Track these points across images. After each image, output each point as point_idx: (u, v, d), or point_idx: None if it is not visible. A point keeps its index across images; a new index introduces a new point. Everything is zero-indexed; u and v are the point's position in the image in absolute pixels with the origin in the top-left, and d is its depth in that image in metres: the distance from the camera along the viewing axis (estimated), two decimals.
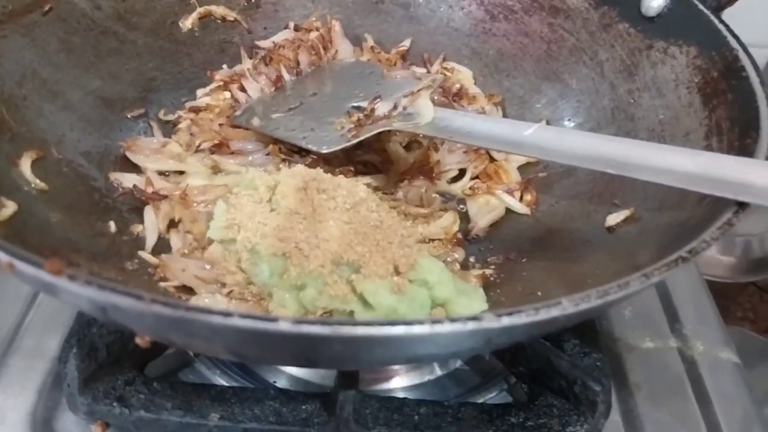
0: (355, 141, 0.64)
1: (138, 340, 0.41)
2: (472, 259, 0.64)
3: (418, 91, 0.67)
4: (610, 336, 0.68)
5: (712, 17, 0.62)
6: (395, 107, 0.66)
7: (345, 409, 0.55)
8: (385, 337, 0.34)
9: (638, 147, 0.53)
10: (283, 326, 0.33)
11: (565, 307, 0.36)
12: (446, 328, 0.34)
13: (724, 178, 0.47)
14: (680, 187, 0.48)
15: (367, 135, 0.64)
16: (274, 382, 0.64)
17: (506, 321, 0.34)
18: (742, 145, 0.52)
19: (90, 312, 0.41)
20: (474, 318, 0.34)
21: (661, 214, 0.55)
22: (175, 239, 0.61)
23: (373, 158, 0.71)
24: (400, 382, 0.65)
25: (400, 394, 0.62)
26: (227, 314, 0.33)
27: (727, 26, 0.61)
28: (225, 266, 0.56)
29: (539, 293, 0.55)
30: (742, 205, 0.45)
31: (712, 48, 0.61)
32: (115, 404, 0.55)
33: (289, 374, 0.65)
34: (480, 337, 0.36)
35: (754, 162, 0.48)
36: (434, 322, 0.34)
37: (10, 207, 0.51)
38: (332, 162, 0.68)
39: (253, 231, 0.56)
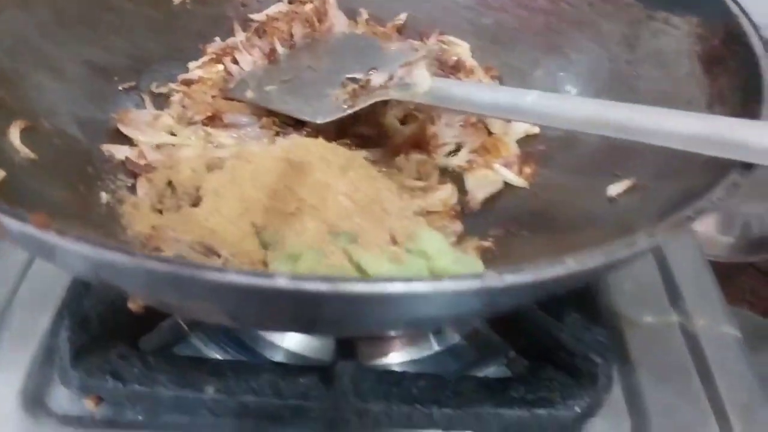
0: (350, 111, 0.63)
1: (131, 305, 0.39)
2: (470, 232, 0.62)
3: (415, 61, 0.65)
4: (611, 311, 0.67)
5: None
6: (391, 77, 0.65)
7: (343, 381, 0.54)
8: (385, 295, 0.33)
9: (640, 111, 0.52)
10: (281, 282, 0.32)
11: (570, 266, 0.35)
12: (447, 285, 0.33)
13: (727, 139, 0.46)
14: (683, 150, 0.47)
15: (363, 105, 0.63)
16: (272, 358, 0.63)
17: (509, 279, 0.33)
18: (745, 109, 0.51)
19: (82, 273, 0.40)
20: (476, 276, 0.33)
21: (664, 182, 0.54)
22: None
23: (369, 131, 0.69)
24: (397, 357, 0.64)
25: (398, 369, 0.62)
26: (223, 270, 0.32)
27: None
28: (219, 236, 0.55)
29: None
30: (746, 167, 0.44)
31: (714, 16, 0.59)
32: (108, 378, 0.54)
33: (286, 350, 0.64)
34: (482, 296, 0.35)
35: (759, 124, 0.47)
36: (435, 279, 0.33)
37: None
38: (327, 135, 0.66)
39: (248, 201, 0.56)
